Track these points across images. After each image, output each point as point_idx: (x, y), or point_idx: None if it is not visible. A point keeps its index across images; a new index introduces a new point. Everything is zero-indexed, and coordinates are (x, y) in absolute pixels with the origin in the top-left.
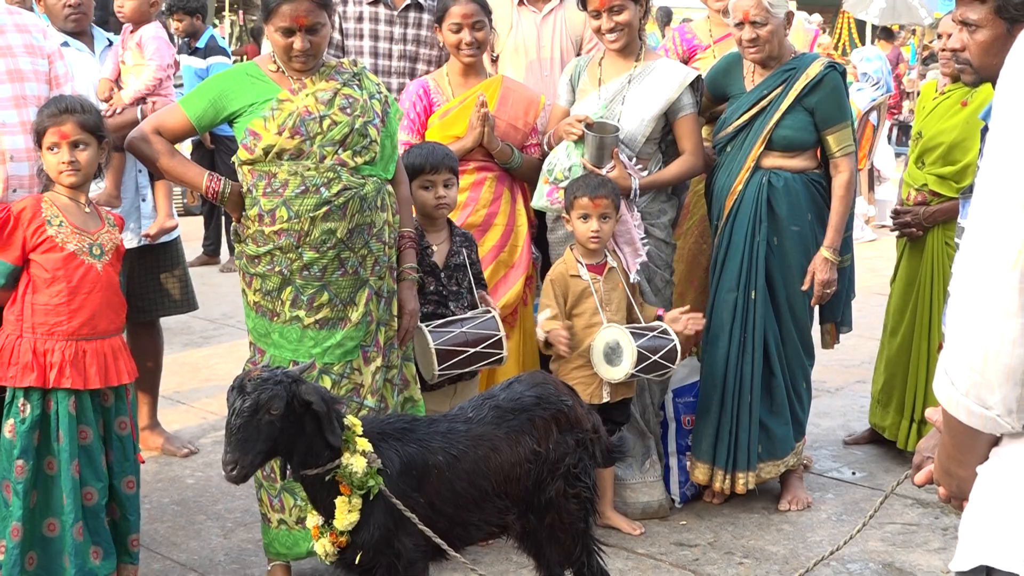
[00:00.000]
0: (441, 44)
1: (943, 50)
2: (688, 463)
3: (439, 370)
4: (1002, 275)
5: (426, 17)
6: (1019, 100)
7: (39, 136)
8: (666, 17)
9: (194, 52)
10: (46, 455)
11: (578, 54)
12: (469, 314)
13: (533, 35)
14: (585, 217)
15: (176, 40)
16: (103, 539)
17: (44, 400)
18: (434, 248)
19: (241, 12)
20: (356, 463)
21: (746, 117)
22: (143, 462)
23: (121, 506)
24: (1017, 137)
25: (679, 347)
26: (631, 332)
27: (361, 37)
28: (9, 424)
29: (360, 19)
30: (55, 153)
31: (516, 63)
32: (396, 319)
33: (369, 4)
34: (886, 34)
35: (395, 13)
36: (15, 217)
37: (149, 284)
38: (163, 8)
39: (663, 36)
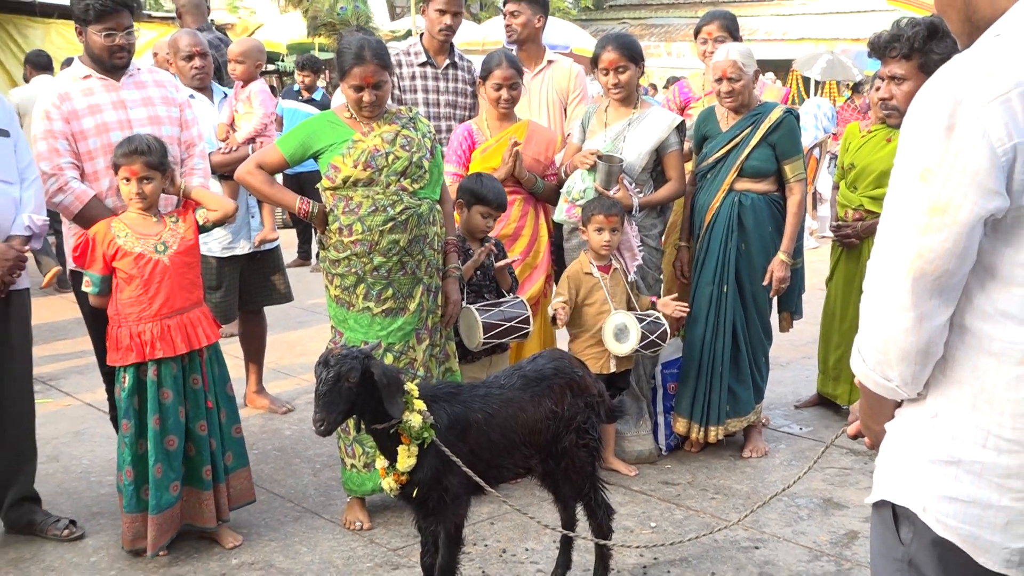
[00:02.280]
0: (475, 94)
1: (879, 101)
2: (672, 420)
3: (484, 338)
4: (899, 280)
5: (460, 74)
6: (910, 147)
7: (116, 168)
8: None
9: (309, 102)
10: (148, 414)
11: (564, 105)
12: (504, 299)
13: (526, 91)
14: (600, 230)
15: (281, 89)
16: (180, 476)
17: (138, 371)
18: (473, 252)
19: (327, 71)
20: (414, 419)
21: (723, 151)
22: (211, 408)
23: (195, 444)
24: (910, 176)
25: (669, 330)
26: (636, 317)
27: (415, 91)
28: (116, 390)
29: (413, 78)
30: (127, 184)
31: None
32: (441, 308)
33: (419, 66)
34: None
35: (439, 71)
36: (91, 239)
37: (257, 282)
38: (292, 64)
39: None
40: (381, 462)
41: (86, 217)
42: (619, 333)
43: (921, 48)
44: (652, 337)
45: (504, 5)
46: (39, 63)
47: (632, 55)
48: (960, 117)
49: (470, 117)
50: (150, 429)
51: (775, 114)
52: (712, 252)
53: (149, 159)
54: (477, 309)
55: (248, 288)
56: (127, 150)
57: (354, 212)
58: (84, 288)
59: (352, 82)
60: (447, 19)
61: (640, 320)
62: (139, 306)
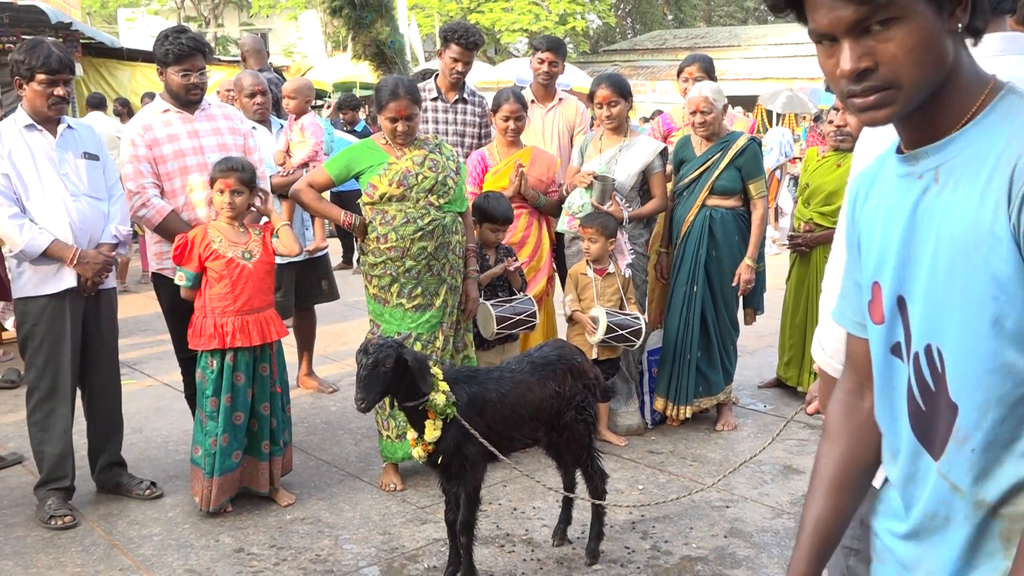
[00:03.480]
0: (485, 124)
1: (835, 128)
2: (653, 398)
3: (497, 329)
4: None
5: (469, 107)
6: (862, 164)
7: (212, 182)
8: None
9: (352, 132)
10: (227, 392)
11: (571, 135)
12: (515, 297)
13: (540, 123)
14: (583, 239)
15: (338, 124)
16: (243, 447)
17: (222, 357)
18: (488, 256)
19: (366, 106)
20: (438, 398)
21: (696, 173)
22: (279, 391)
23: (258, 421)
24: None
25: (644, 330)
26: (608, 312)
27: (426, 122)
28: (199, 372)
29: (426, 111)
30: (221, 195)
31: (528, 139)
32: (461, 304)
33: (431, 100)
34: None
35: (448, 105)
36: (190, 241)
37: (309, 283)
38: (325, 103)
39: None
40: (411, 434)
41: (165, 228)
42: (592, 324)
43: None
44: (622, 332)
45: (536, 53)
46: (92, 102)
47: (622, 92)
48: None
49: (480, 145)
50: (221, 405)
51: (740, 142)
52: (686, 258)
53: (242, 175)
54: (492, 305)
55: (302, 289)
56: (224, 167)
57: (389, 223)
58: (177, 281)
59: (388, 114)
60: (459, 66)
61: (614, 315)
62: (225, 302)
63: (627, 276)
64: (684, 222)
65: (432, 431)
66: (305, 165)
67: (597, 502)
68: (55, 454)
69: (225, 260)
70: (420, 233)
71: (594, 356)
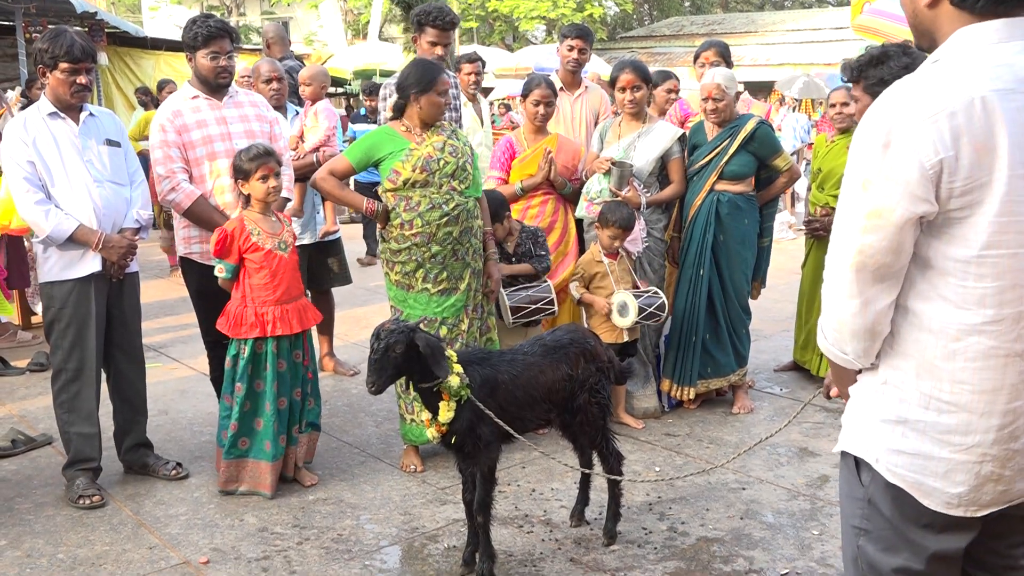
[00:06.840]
0: (457, 108)
1: (837, 113)
2: (661, 381)
3: (512, 318)
4: (845, 272)
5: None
6: (855, 161)
7: (247, 173)
8: None
9: (375, 122)
10: (256, 379)
11: (596, 122)
12: (533, 284)
13: (568, 110)
14: (603, 232)
15: (350, 114)
16: (286, 432)
17: (256, 344)
18: (506, 243)
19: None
20: (452, 380)
21: (708, 158)
22: (311, 377)
23: (292, 407)
24: (854, 185)
25: (667, 303)
26: (634, 295)
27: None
28: (228, 360)
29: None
30: (265, 182)
31: (556, 127)
32: (484, 287)
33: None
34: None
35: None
36: (230, 234)
37: (322, 266)
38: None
39: None
40: (425, 415)
41: (194, 212)
42: (621, 309)
43: (863, 73)
44: (650, 309)
45: (565, 40)
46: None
47: (645, 77)
48: (894, 136)
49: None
50: (269, 392)
51: (749, 126)
52: (693, 241)
53: (276, 157)
54: (508, 294)
55: (315, 272)
56: (256, 154)
57: (414, 209)
58: (217, 273)
59: (438, 91)
60: (438, 50)
61: (638, 296)
62: (266, 292)
63: (635, 256)
64: (692, 206)
65: (446, 412)
66: (317, 149)
67: (613, 477)
68: (82, 435)
69: (264, 252)
70: (446, 218)
71: (624, 339)
